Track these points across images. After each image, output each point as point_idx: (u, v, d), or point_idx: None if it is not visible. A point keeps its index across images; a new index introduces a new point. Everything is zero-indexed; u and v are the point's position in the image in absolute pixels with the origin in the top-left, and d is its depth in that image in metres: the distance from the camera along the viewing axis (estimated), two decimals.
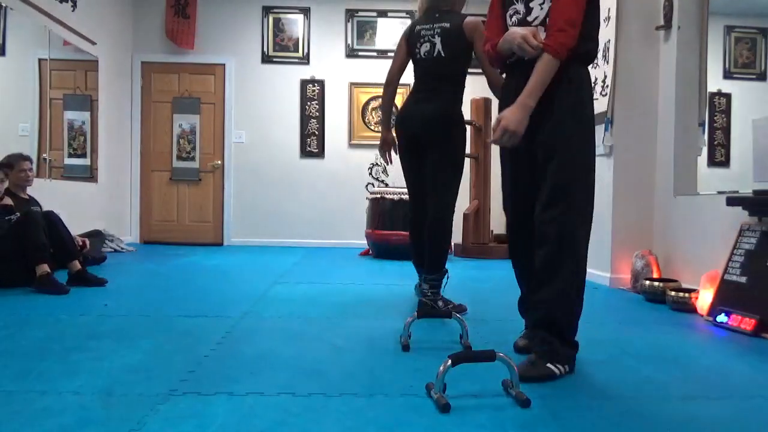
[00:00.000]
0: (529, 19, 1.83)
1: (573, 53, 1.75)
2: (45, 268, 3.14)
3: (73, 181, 5.25)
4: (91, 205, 5.51)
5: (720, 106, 3.91)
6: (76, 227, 4.23)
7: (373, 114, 6.55)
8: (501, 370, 1.82)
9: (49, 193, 4.44)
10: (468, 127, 5.91)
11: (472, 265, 5.07)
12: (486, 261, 5.41)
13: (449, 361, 1.50)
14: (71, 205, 4.94)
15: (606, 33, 3.83)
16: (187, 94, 6.52)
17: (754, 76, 3.98)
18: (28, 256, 3.15)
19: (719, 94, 3.90)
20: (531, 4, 1.83)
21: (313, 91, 6.53)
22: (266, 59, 6.55)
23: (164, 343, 2.06)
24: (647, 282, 3.29)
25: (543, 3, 1.82)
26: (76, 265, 3.36)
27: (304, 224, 6.52)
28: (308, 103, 6.54)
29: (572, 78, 1.79)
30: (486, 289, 3.72)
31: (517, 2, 1.87)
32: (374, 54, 6.56)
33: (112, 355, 1.89)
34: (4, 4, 4.22)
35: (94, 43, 5.44)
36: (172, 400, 1.48)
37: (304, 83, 6.53)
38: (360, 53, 6.56)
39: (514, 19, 1.87)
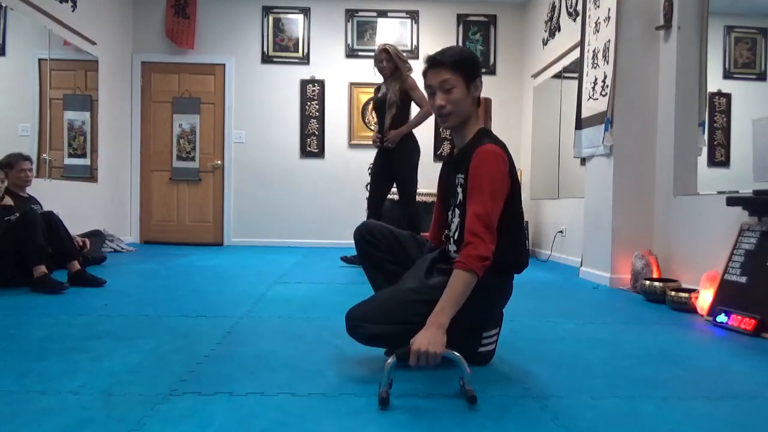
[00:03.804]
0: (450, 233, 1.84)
1: (495, 264, 1.67)
2: (42, 269, 3.14)
3: (73, 181, 5.26)
4: (91, 205, 5.51)
5: (720, 106, 3.90)
6: (76, 227, 4.23)
7: (373, 114, 6.54)
8: (501, 372, 1.82)
9: (49, 193, 4.45)
10: None
11: None
12: None
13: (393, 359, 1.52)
14: (71, 205, 4.94)
15: (606, 33, 3.83)
16: (187, 94, 6.52)
17: (754, 76, 3.97)
18: (27, 257, 3.15)
19: (719, 94, 3.89)
20: (452, 220, 1.83)
21: (313, 91, 6.54)
22: (266, 59, 6.55)
23: (164, 343, 2.06)
24: (647, 282, 3.29)
25: (454, 218, 1.81)
26: (75, 265, 3.35)
27: (304, 224, 6.52)
28: (308, 103, 6.55)
29: (486, 288, 1.69)
30: None
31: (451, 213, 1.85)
32: (374, 54, 6.56)
33: (112, 355, 1.89)
34: (4, 4, 4.22)
35: (94, 43, 5.44)
36: (172, 400, 1.48)
37: (304, 83, 6.53)
38: (360, 53, 6.56)
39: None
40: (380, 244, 1.96)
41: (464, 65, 1.75)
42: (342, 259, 4.63)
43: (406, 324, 1.64)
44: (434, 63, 1.76)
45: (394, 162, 4.25)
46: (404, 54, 4.34)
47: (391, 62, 4.20)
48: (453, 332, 1.61)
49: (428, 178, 6.06)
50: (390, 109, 4.18)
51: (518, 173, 6.43)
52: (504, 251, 1.72)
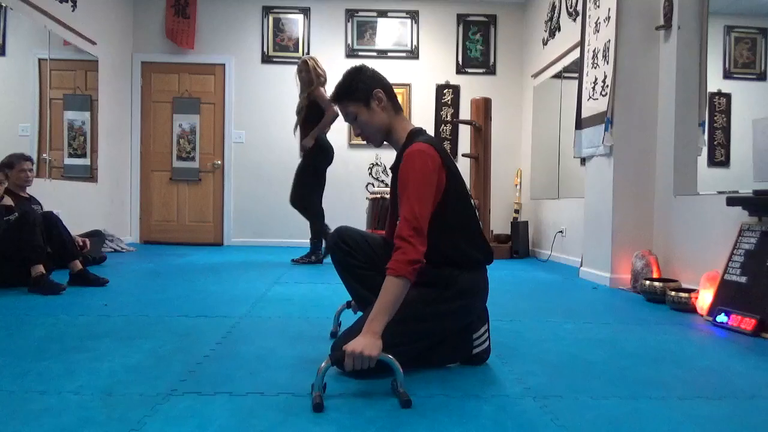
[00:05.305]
0: None
1: (460, 261, 1.72)
2: (40, 269, 3.13)
3: (73, 181, 5.25)
4: (91, 205, 5.51)
5: (720, 106, 3.90)
6: (76, 227, 4.24)
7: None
8: (502, 372, 1.82)
9: (49, 193, 4.45)
10: (468, 127, 5.92)
11: None
12: None
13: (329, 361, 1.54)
14: (71, 205, 4.94)
15: (606, 33, 3.83)
16: (187, 94, 6.52)
17: (754, 76, 3.97)
18: (24, 256, 3.15)
19: (719, 94, 3.89)
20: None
21: None
22: (266, 59, 6.55)
23: (164, 343, 2.06)
24: (647, 282, 3.29)
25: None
26: (77, 264, 3.35)
27: (305, 224, 6.50)
28: None
29: (449, 282, 1.73)
30: None
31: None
32: (374, 54, 6.56)
33: (112, 355, 1.89)
34: (4, 4, 4.22)
35: (94, 43, 5.44)
36: (172, 400, 1.48)
37: None
38: (360, 53, 6.56)
39: None
40: (356, 253, 1.94)
41: (355, 92, 1.82)
42: (293, 261, 4.93)
43: (386, 349, 1.62)
44: (335, 100, 1.86)
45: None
46: (323, 68, 4.78)
47: (309, 74, 4.68)
48: (445, 338, 1.66)
49: None
50: (298, 115, 4.83)
51: (518, 173, 6.45)
52: (459, 247, 1.75)
